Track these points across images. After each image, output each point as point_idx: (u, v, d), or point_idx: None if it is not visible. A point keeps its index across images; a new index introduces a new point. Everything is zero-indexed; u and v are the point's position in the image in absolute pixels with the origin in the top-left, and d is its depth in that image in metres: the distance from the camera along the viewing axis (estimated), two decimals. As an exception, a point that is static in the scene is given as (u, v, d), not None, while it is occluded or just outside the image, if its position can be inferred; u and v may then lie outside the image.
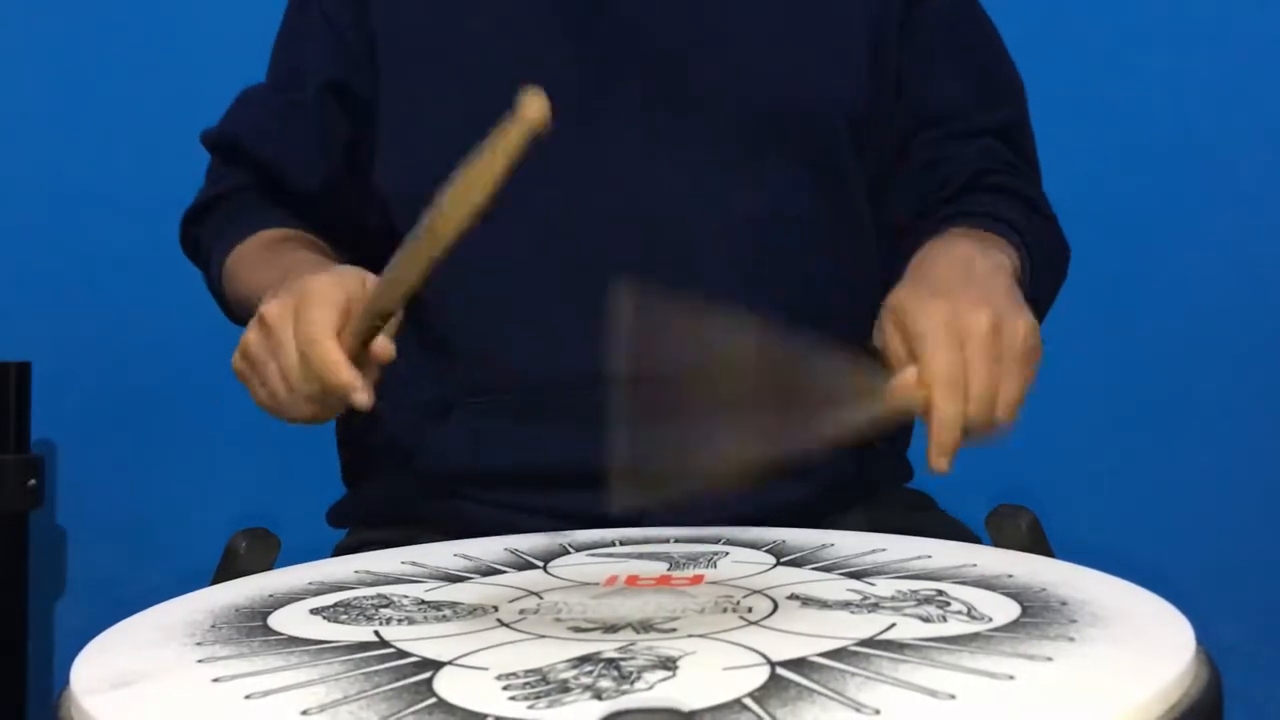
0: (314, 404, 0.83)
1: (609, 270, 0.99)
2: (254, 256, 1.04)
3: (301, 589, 0.76)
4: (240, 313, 1.04)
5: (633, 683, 0.53)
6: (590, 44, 1.01)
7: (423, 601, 0.71)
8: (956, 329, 0.80)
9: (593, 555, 0.84)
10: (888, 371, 0.82)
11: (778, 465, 0.75)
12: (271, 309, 0.84)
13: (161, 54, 1.71)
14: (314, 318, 0.81)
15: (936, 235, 0.98)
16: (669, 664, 0.56)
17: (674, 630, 0.62)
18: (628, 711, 0.47)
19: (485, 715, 0.51)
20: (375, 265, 0.98)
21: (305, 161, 1.08)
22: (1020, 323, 0.82)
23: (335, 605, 0.71)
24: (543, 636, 0.62)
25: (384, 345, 0.82)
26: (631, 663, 0.56)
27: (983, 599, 0.66)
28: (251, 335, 0.85)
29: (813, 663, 0.55)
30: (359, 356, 0.82)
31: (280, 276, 0.92)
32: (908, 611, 0.64)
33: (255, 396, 0.87)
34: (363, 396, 0.81)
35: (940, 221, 1.01)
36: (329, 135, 1.08)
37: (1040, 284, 1.00)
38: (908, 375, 0.80)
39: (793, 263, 1.03)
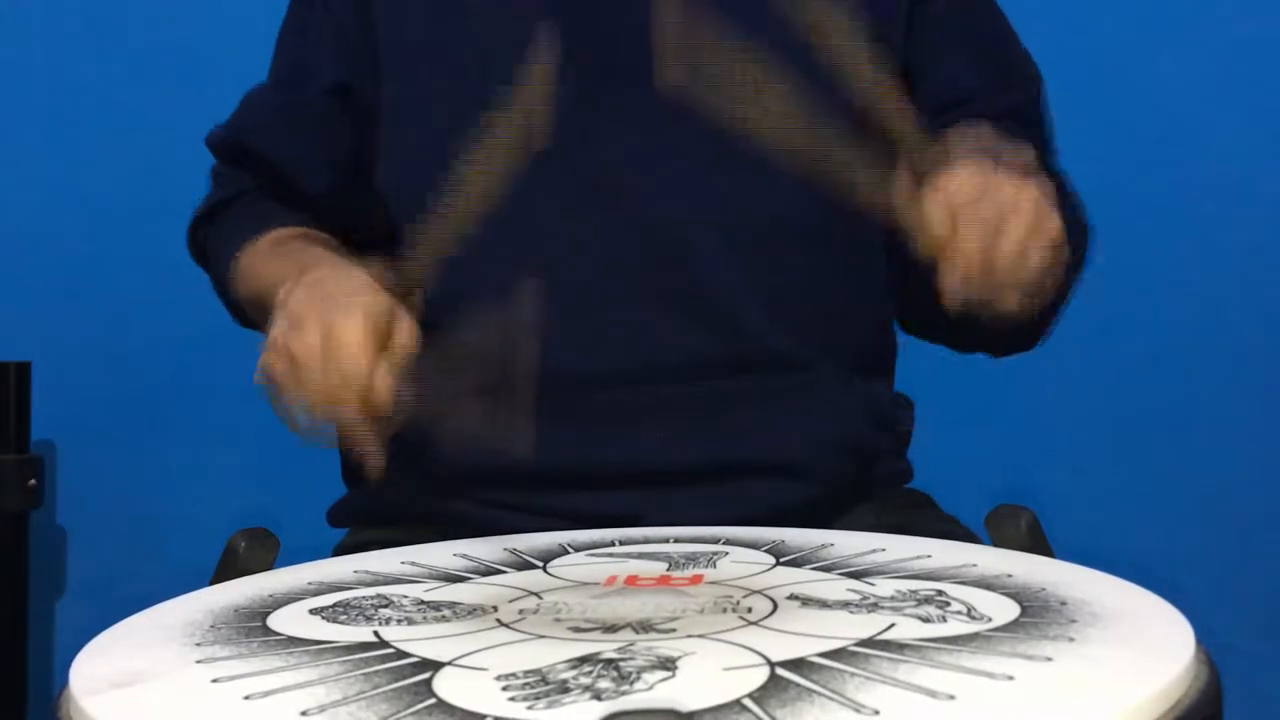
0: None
1: (610, 274, 1.00)
2: (266, 252, 1.03)
3: (301, 589, 0.76)
4: (251, 311, 1.04)
5: (632, 683, 0.53)
6: (590, 47, 1.01)
7: (422, 602, 0.71)
8: (991, 156, 0.82)
9: (592, 555, 0.84)
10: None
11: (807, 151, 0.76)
12: (298, 343, 0.82)
13: (162, 53, 1.71)
14: (343, 367, 0.81)
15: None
16: (668, 664, 0.56)
17: (673, 630, 0.62)
18: (627, 712, 0.47)
19: (484, 716, 0.51)
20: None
21: (312, 163, 1.08)
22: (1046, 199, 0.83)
23: (334, 605, 0.71)
24: (542, 637, 0.62)
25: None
26: (631, 663, 0.56)
27: (982, 599, 0.66)
28: (277, 364, 0.84)
29: (812, 663, 0.55)
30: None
31: (294, 270, 0.90)
32: (907, 612, 0.64)
33: (277, 412, 0.86)
34: (376, 463, 0.83)
35: None
36: (334, 137, 1.08)
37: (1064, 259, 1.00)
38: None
39: (796, 266, 1.03)
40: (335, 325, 0.82)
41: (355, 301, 0.85)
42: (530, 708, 0.51)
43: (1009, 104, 1.07)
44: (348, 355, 0.81)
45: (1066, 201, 1.02)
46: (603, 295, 1.00)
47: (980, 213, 0.81)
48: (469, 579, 0.77)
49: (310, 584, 0.77)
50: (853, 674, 0.54)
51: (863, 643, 0.58)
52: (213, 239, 1.11)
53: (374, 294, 0.87)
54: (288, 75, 1.13)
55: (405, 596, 0.73)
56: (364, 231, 1.07)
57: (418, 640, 0.63)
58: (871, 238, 1.08)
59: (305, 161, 1.08)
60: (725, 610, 0.66)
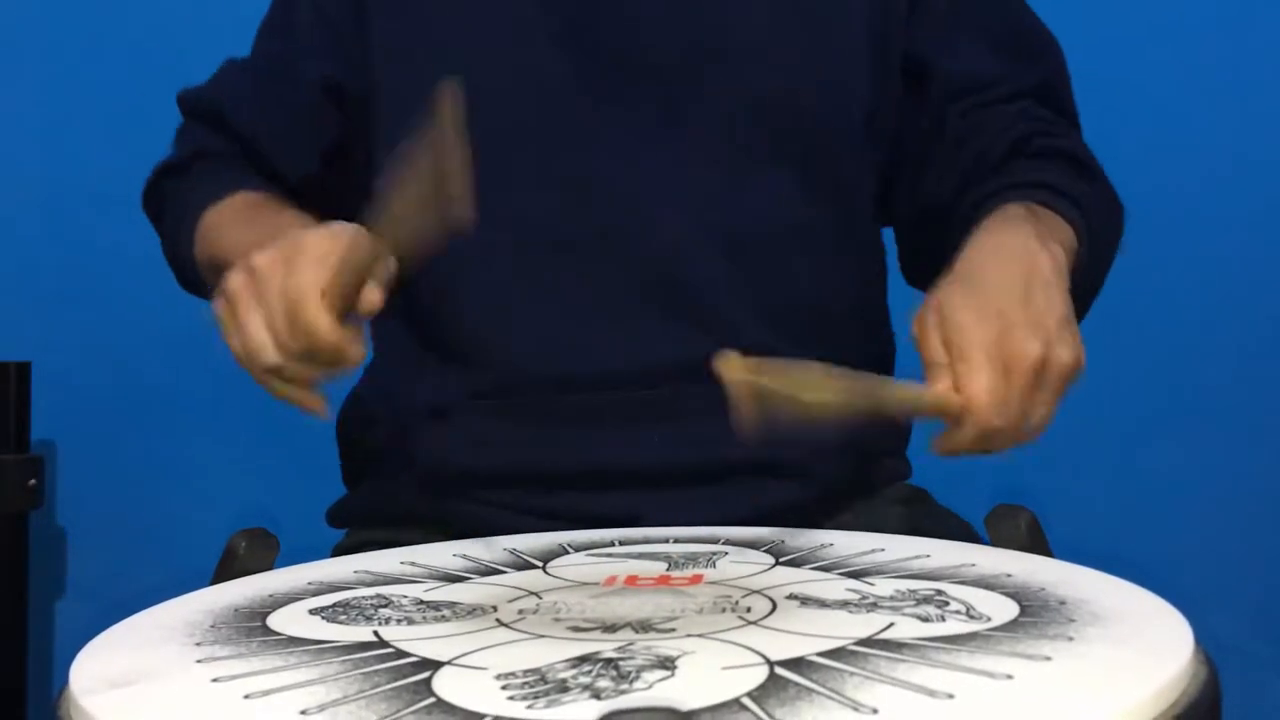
0: (300, 363, 0.82)
1: (608, 275, 1.00)
2: (238, 214, 1.00)
3: (301, 589, 0.76)
4: (207, 274, 1.00)
5: (631, 682, 0.53)
6: (588, 49, 1.01)
7: (422, 602, 0.71)
8: (1004, 354, 0.78)
9: (592, 555, 0.84)
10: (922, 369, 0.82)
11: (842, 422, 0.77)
12: (261, 258, 0.82)
13: (162, 53, 1.71)
14: (303, 276, 0.79)
15: (988, 214, 0.93)
16: (668, 664, 0.56)
17: (673, 630, 0.62)
18: (626, 711, 0.47)
19: (484, 715, 0.51)
20: None
21: (292, 147, 1.06)
22: (1067, 354, 0.80)
23: (334, 605, 0.71)
24: (542, 636, 0.63)
25: (371, 294, 0.81)
26: (630, 662, 0.56)
27: (981, 599, 0.66)
28: (237, 279, 0.83)
29: (811, 662, 0.55)
30: (348, 311, 0.81)
31: (269, 235, 0.89)
32: (906, 611, 0.64)
33: (229, 342, 0.84)
34: (356, 351, 0.81)
35: (988, 197, 0.97)
36: (321, 131, 1.06)
37: (1097, 250, 0.97)
38: (943, 388, 0.79)
39: (793, 270, 1.02)
40: (301, 238, 0.82)
41: (323, 226, 0.84)
42: (530, 707, 0.51)
43: (1030, 82, 1.05)
44: (311, 261, 0.80)
45: (1094, 192, 1.01)
46: (599, 298, 1.00)
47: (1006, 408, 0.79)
48: (468, 579, 0.77)
49: (310, 584, 0.77)
50: (852, 673, 0.54)
51: (862, 642, 0.58)
52: (175, 192, 1.07)
53: (344, 225, 0.85)
54: (274, 62, 1.10)
55: (405, 596, 0.73)
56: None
57: (417, 640, 0.63)
58: (866, 238, 1.08)
59: (286, 144, 1.06)
60: (724, 610, 0.66)
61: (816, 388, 0.76)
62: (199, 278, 1.02)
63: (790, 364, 0.76)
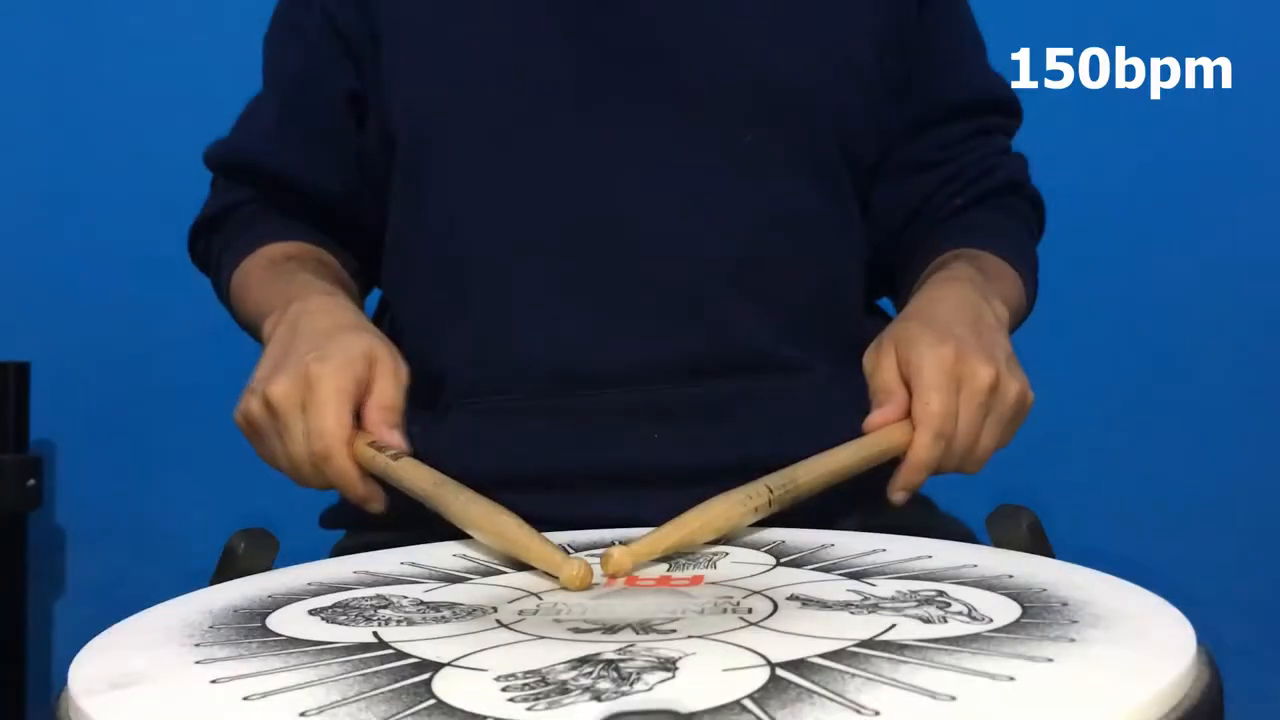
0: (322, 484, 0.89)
1: (605, 272, 1.00)
2: (258, 275, 1.05)
3: (300, 589, 0.76)
4: (248, 330, 1.06)
5: (632, 684, 0.53)
6: (589, 43, 1.01)
7: (421, 602, 0.71)
8: (957, 374, 0.85)
9: (593, 556, 0.83)
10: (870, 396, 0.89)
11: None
12: (277, 391, 0.86)
13: (160, 53, 1.71)
14: (325, 422, 0.85)
15: (940, 265, 1.01)
16: (668, 665, 0.56)
17: (674, 631, 0.62)
18: (627, 713, 0.47)
19: (484, 717, 0.51)
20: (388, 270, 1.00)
21: (322, 172, 1.09)
22: (1015, 386, 0.87)
23: (334, 606, 0.71)
24: (542, 637, 0.62)
25: (394, 439, 0.88)
26: (631, 664, 0.56)
27: (983, 600, 0.66)
28: (255, 408, 0.88)
29: (812, 664, 0.55)
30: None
31: (281, 301, 0.95)
32: (908, 612, 0.64)
33: (260, 454, 0.91)
34: (377, 507, 0.88)
35: (943, 238, 1.05)
36: (344, 145, 1.08)
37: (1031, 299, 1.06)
38: (890, 412, 0.86)
39: (798, 266, 1.03)
40: (312, 374, 0.86)
41: (334, 345, 0.88)
42: (530, 709, 0.51)
43: (993, 117, 1.11)
44: (327, 404, 0.85)
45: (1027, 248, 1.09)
46: (599, 296, 1.00)
47: (944, 429, 0.85)
48: (469, 579, 0.77)
49: (309, 584, 0.77)
50: (853, 675, 0.54)
51: (863, 643, 0.58)
52: (211, 251, 1.12)
53: (355, 334, 0.90)
54: (288, 81, 1.11)
55: (405, 597, 0.73)
56: (376, 242, 1.08)
57: (417, 641, 0.63)
58: (860, 236, 1.09)
59: (315, 171, 1.09)
60: (725, 611, 0.66)
61: (714, 528, 0.81)
62: (250, 331, 1.07)
63: (677, 523, 0.80)
